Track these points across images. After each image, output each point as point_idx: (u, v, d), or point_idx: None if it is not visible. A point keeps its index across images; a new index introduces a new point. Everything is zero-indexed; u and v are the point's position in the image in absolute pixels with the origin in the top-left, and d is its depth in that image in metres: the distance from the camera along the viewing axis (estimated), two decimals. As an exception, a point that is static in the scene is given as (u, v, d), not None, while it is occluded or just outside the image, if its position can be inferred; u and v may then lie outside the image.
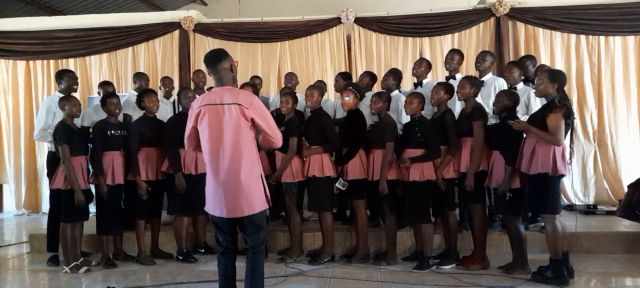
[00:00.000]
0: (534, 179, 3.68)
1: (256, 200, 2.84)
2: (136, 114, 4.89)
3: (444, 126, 4.17)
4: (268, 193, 2.94)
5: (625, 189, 4.70)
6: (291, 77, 5.80)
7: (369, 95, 4.72)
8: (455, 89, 4.27)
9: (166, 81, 5.65)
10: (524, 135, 3.84)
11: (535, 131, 3.65)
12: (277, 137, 2.93)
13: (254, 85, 5.48)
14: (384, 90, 4.85)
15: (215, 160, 2.83)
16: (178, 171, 4.44)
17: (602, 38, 6.62)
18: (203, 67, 6.69)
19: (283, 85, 5.85)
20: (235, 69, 2.99)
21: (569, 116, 3.63)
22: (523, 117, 4.21)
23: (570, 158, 3.80)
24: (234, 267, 2.99)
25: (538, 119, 3.70)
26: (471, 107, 4.14)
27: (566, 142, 3.74)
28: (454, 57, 5.00)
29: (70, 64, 7.39)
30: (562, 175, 3.67)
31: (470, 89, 4.14)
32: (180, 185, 4.44)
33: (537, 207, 3.87)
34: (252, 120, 2.83)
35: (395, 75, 5.12)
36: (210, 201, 2.91)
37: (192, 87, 5.92)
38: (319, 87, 4.79)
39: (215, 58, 2.93)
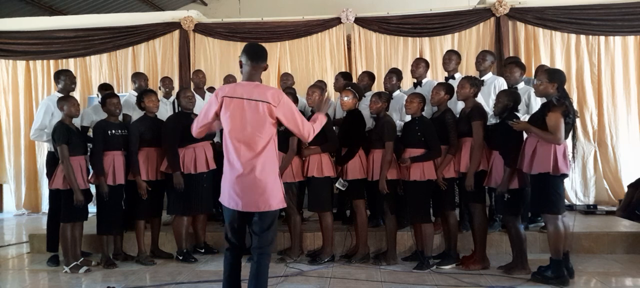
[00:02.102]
0: (536, 179, 3.69)
1: (273, 198, 2.85)
2: (136, 114, 4.89)
3: (444, 126, 4.17)
4: (284, 194, 2.96)
5: (625, 189, 4.70)
6: (287, 78, 5.79)
7: (369, 95, 4.72)
8: (455, 88, 4.28)
9: (166, 81, 5.65)
10: (525, 135, 3.84)
11: (536, 130, 3.65)
12: (303, 134, 2.95)
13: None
14: (384, 91, 4.85)
15: (236, 154, 2.82)
16: (176, 170, 4.44)
17: (602, 38, 6.62)
18: (203, 67, 6.81)
19: (285, 86, 5.85)
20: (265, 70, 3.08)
21: (568, 114, 3.63)
22: (524, 117, 4.21)
23: (573, 157, 3.79)
24: (239, 264, 2.99)
25: (538, 119, 3.71)
26: (471, 107, 4.14)
27: (568, 141, 3.74)
28: (452, 57, 5.01)
29: (70, 64, 7.39)
30: (564, 175, 3.67)
31: (470, 88, 4.14)
32: (178, 184, 4.43)
33: (539, 207, 3.87)
34: (278, 119, 2.85)
35: (397, 75, 5.13)
36: (226, 194, 2.90)
37: (192, 87, 5.92)
38: (320, 86, 4.79)
39: (260, 54, 2.96)
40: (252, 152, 2.80)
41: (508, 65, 4.99)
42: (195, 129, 3.01)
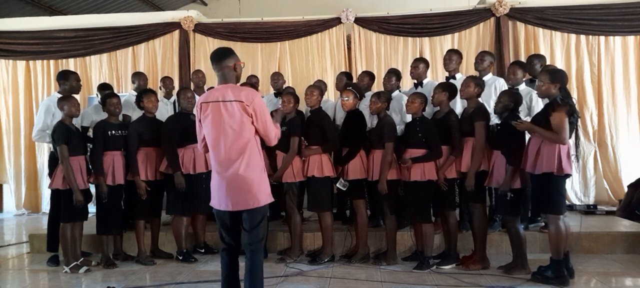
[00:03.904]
0: (539, 179, 3.68)
1: (261, 193, 2.90)
2: (135, 114, 4.89)
3: (448, 127, 4.17)
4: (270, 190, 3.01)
5: (625, 189, 4.70)
6: (278, 77, 5.78)
7: (369, 95, 4.72)
8: (459, 88, 4.27)
9: (167, 81, 5.64)
10: (528, 136, 3.83)
11: (540, 130, 3.65)
12: (270, 137, 3.01)
13: (252, 84, 5.47)
14: (384, 91, 4.85)
15: (218, 156, 2.89)
16: (177, 170, 4.44)
17: (602, 38, 6.62)
18: (203, 67, 6.82)
19: (276, 86, 5.86)
20: (240, 69, 3.04)
21: (572, 114, 3.63)
22: (525, 118, 4.21)
23: (577, 157, 3.79)
24: (236, 264, 3.01)
25: (541, 119, 3.70)
26: (474, 107, 4.14)
27: (571, 141, 3.74)
28: (452, 57, 5.00)
29: (70, 64, 7.38)
30: (568, 175, 3.66)
31: (475, 88, 4.14)
32: (180, 184, 4.44)
33: (542, 207, 3.86)
34: (252, 117, 2.89)
35: (397, 75, 5.13)
36: (215, 196, 2.96)
37: (192, 87, 5.92)
38: (319, 86, 4.79)
39: (220, 55, 2.99)
40: (234, 152, 2.85)
41: (510, 66, 4.95)
42: (199, 144, 3.09)
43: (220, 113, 2.87)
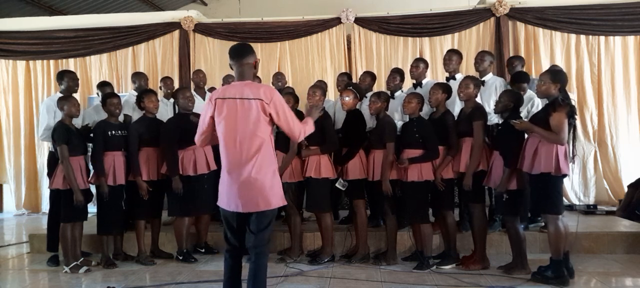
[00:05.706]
0: (537, 179, 3.68)
1: (273, 196, 2.84)
2: (136, 114, 4.88)
3: (445, 127, 4.17)
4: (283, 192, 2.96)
5: (625, 189, 4.70)
6: (280, 77, 5.78)
7: (369, 95, 4.72)
8: (457, 88, 4.27)
9: (167, 81, 5.63)
10: (526, 136, 3.84)
11: (539, 130, 3.65)
12: (294, 133, 2.92)
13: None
14: (385, 90, 4.85)
15: (231, 154, 2.82)
16: (175, 175, 4.41)
17: (602, 38, 6.62)
18: (203, 67, 6.82)
19: (277, 86, 5.86)
20: (257, 66, 3.01)
21: (571, 115, 3.64)
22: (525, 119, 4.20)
23: (573, 157, 3.80)
24: (239, 266, 2.99)
25: (541, 119, 3.70)
26: (471, 107, 4.14)
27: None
28: (452, 57, 4.99)
29: (70, 64, 7.39)
30: (565, 175, 3.67)
31: (474, 88, 4.15)
32: (177, 188, 4.42)
33: (540, 207, 3.86)
34: (271, 116, 2.83)
35: (401, 74, 5.13)
36: (224, 196, 2.89)
37: (192, 87, 5.92)
38: (321, 86, 4.78)
39: (242, 52, 2.93)
40: (248, 151, 2.79)
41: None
42: (197, 137, 3.01)
43: (236, 111, 2.80)
